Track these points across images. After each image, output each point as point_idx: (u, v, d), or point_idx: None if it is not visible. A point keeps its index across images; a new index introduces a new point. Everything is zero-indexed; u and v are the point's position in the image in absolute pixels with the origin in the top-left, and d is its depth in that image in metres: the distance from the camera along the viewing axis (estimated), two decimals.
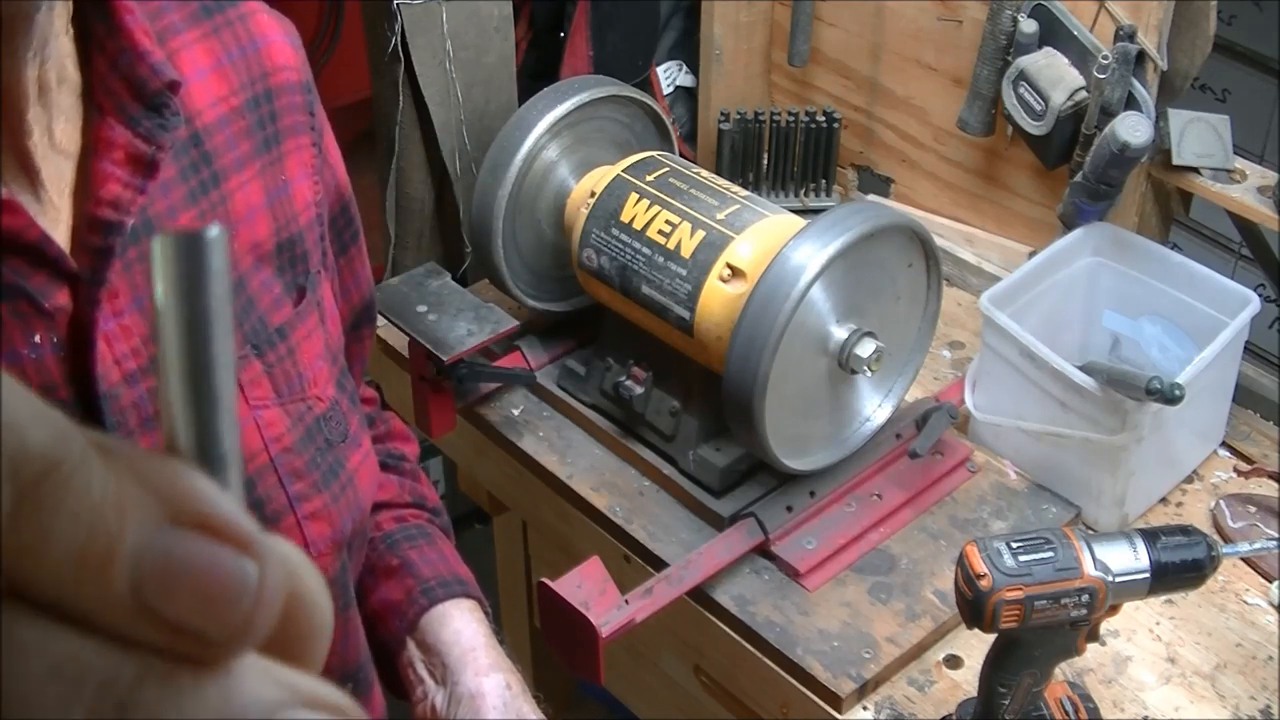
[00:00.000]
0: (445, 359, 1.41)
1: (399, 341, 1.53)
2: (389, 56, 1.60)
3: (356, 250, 0.98)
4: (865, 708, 1.22)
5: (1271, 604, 1.31)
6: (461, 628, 1.01)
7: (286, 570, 0.25)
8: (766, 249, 1.27)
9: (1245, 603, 1.31)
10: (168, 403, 0.26)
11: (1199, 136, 1.47)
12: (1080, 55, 1.48)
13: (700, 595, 1.29)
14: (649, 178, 1.39)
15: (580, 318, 1.55)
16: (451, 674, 0.99)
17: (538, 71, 1.86)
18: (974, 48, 1.58)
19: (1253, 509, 1.39)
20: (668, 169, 1.40)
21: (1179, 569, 1.03)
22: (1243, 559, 1.34)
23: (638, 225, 1.36)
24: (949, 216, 1.74)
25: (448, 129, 1.67)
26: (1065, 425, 1.34)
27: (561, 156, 1.47)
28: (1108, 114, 1.42)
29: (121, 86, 0.72)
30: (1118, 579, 1.03)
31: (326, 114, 0.92)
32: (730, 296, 1.28)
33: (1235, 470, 1.46)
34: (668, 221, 1.34)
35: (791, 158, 1.77)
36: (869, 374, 1.29)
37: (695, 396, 1.37)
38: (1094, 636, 1.09)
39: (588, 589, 1.20)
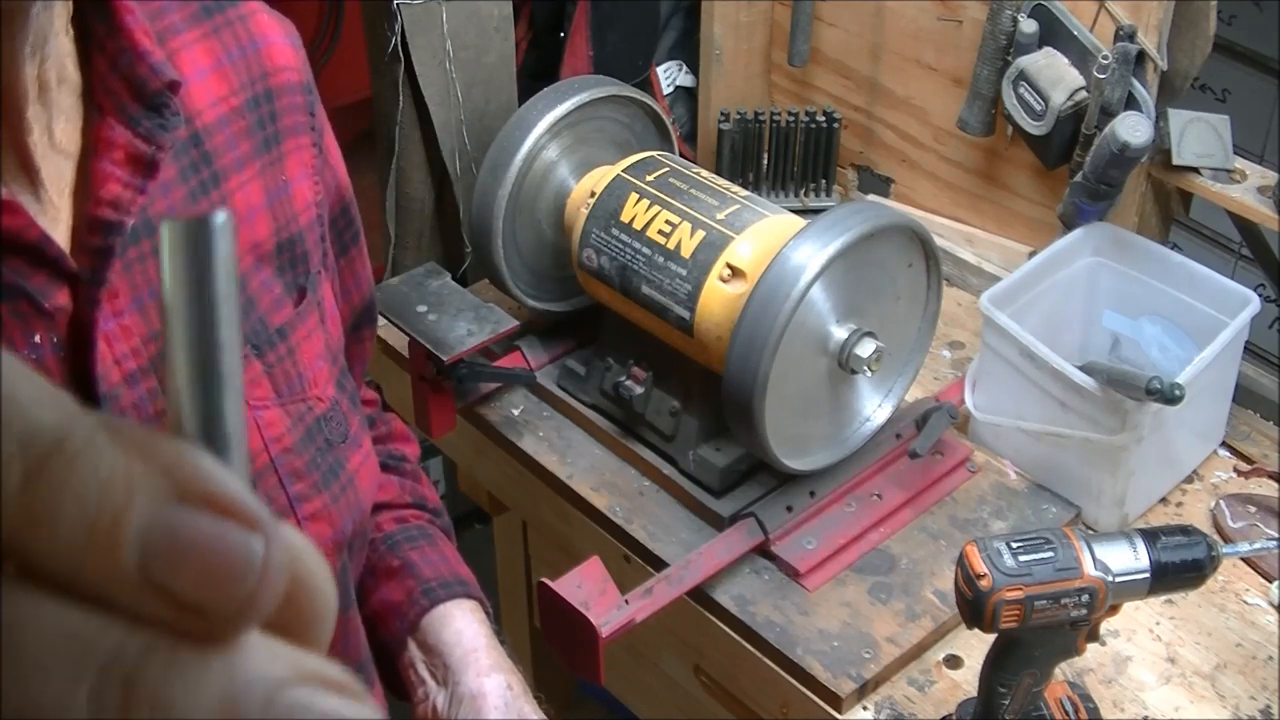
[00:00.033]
0: (445, 359, 1.41)
1: (399, 341, 1.53)
2: (389, 56, 1.60)
3: (357, 251, 0.98)
4: (865, 708, 1.22)
5: (1271, 604, 1.31)
6: (463, 628, 1.01)
7: (291, 552, 0.25)
8: (766, 249, 1.27)
9: (1245, 603, 1.31)
10: (174, 385, 0.26)
11: (1199, 136, 1.47)
12: (1080, 55, 1.48)
13: (700, 595, 1.29)
14: (649, 178, 1.39)
15: (580, 318, 1.55)
16: (453, 675, 0.99)
17: (538, 71, 1.86)
18: (974, 48, 1.58)
19: (1253, 509, 1.39)
20: (668, 169, 1.40)
21: (1179, 569, 1.03)
22: (1243, 559, 1.34)
23: (638, 225, 1.36)
24: (949, 216, 1.74)
25: (448, 129, 1.67)
26: (1065, 425, 1.34)
27: (561, 156, 1.47)
28: (1108, 114, 1.42)
29: (121, 86, 0.72)
30: (1118, 579, 1.03)
31: (326, 114, 0.92)
32: (730, 296, 1.28)
33: (1235, 470, 1.46)
34: (668, 221, 1.34)
35: (791, 158, 1.77)
36: (869, 374, 1.29)
37: (695, 396, 1.37)
38: (1094, 636, 1.09)
39: (588, 589, 1.20)
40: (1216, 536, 1.30)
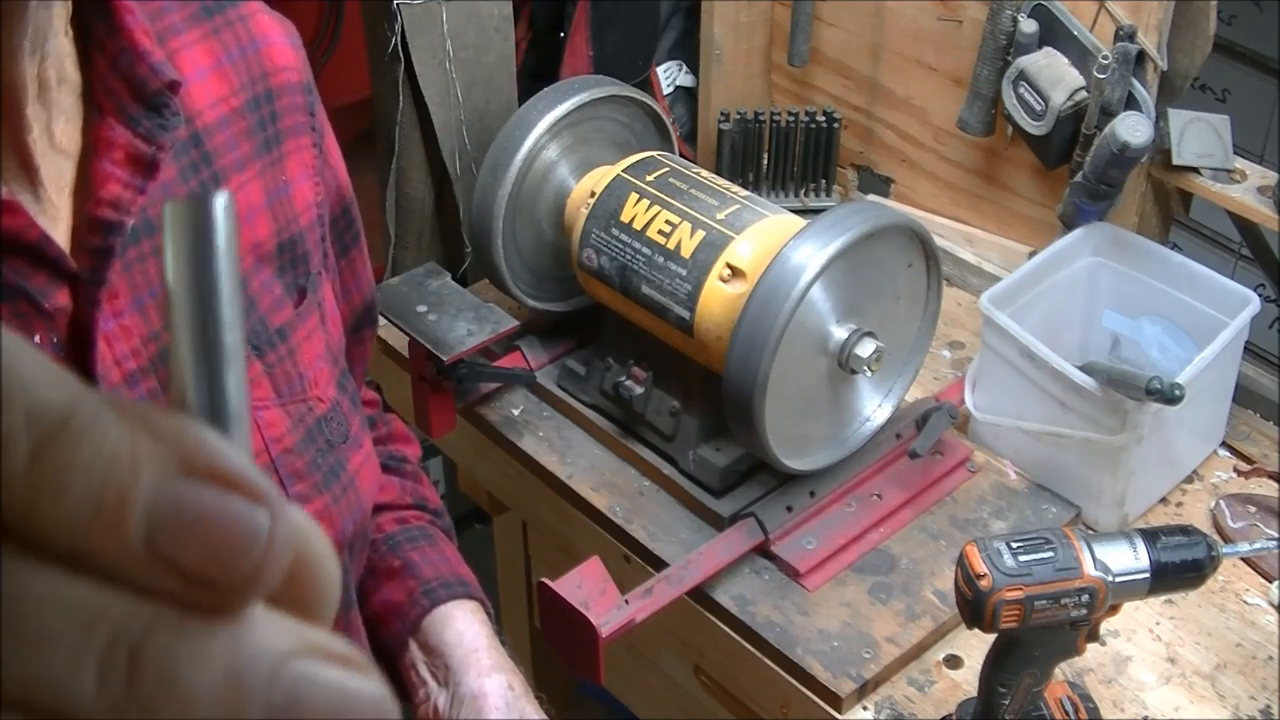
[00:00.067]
0: (445, 359, 1.41)
1: (399, 341, 1.53)
2: (389, 56, 1.60)
3: (358, 251, 0.98)
4: (865, 708, 1.22)
5: (1271, 604, 1.31)
6: (464, 629, 1.01)
7: (296, 530, 0.26)
8: (766, 249, 1.27)
9: (1245, 603, 1.31)
10: (178, 364, 0.27)
11: (1199, 136, 1.47)
12: (1080, 55, 1.48)
13: (700, 595, 1.29)
14: (649, 178, 1.39)
15: (580, 318, 1.55)
16: (454, 675, 0.99)
17: (538, 71, 1.86)
18: (974, 48, 1.58)
19: (1253, 509, 1.39)
20: (668, 169, 1.40)
21: (1179, 569, 1.03)
22: (1243, 559, 1.34)
23: (638, 225, 1.36)
24: (949, 216, 1.74)
25: (448, 129, 1.67)
26: (1065, 425, 1.34)
27: (561, 156, 1.47)
28: (1108, 114, 1.42)
29: (121, 86, 0.72)
30: (1118, 579, 1.03)
31: (326, 114, 0.92)
32: (730, 296, 1.28)
33: (1235, 470, 1.46)
34: (668, 221, 1.34)
35: (791, 158, 1.77)
36: (869, 374, 1.29)
37: (695, 396, 1.37)
38: (1094, 636, 1.09)
39: (588, 589, 1.20)
40: (1216, 536, 1.30)
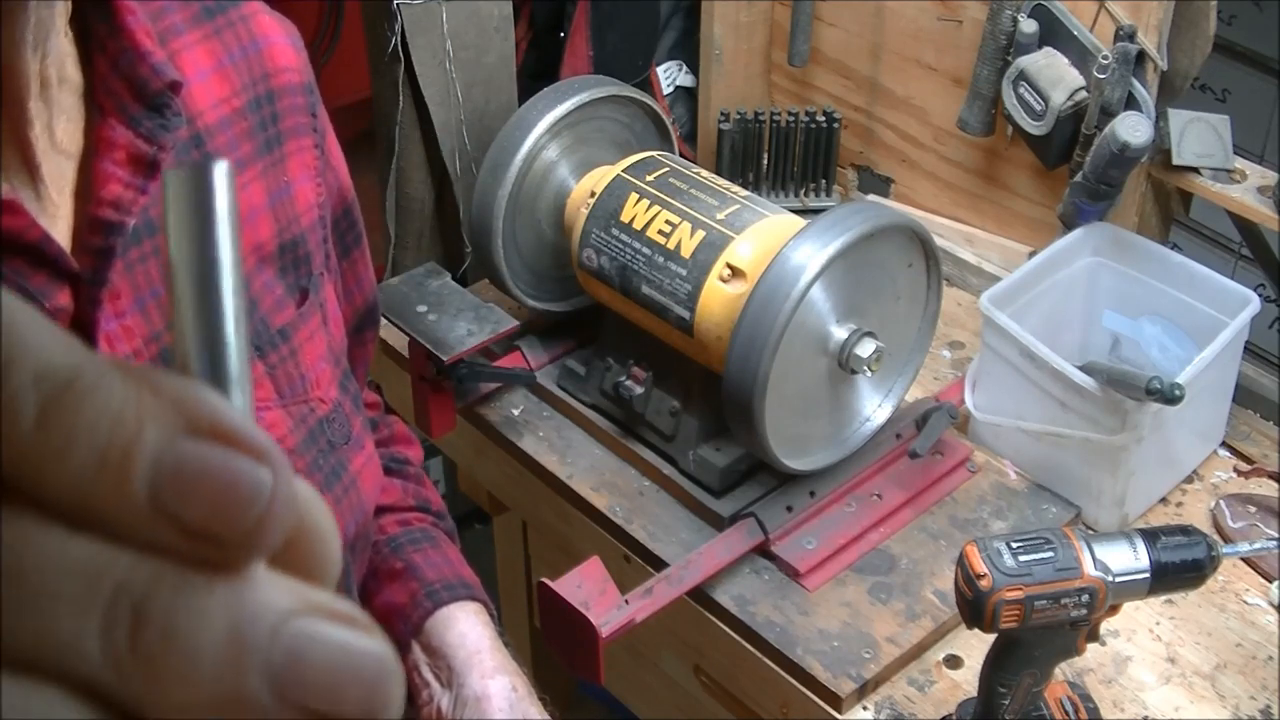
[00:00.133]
0: (445, 359, 1.41)
1: (399, 341, 1.53)
2: (389, 56, 1.60)
3: (359, 253, 0.98)
4: (865, 708, 1.22)
5: (1271, 604, 1.31)
6: (467, 630, 1.01)
7: (298, 492, 0.26)
8: (766, 249, 1.27)
9: (1245, 603, 1.31)
10: (180, 330, 0.27)
11: (1199, 136, 1.47)
12: (1080, 55, 1.48)
13: (700, 595, 1.29)
14: (649, 178, 1.39)
15: (580, 318, 1.55)
16: (457, 677, 0.99)
17: (538, 71, 1.86)
18: (974, 48, 1.58)
19: (1253, 509, 1.39)
20: (668, 169, 1.40)
21: (1179, 569, 1.03)
22: (1243, 559, 1.34)
23: (638, 225, 1.36)
24: (949, 216, 1.74)
25: (448, 129, 1.67)
26: (1065, 425, 1.34)
27: (561, 156, 1.47)
28: (1108, 114, 1.42)
29: (123, 87, 0.72)
30: (1118, 579, 1.03)
31: (327, 114, 0.92)
32: (730, 296, 1.28)
33: (1235, 470, 1.46)
34: (668, 221, 1.34)
35: (791, 158, 1.77)
36: (869, 374, 1.29)
37: (695, 396, 1.38)
38: (1094, 636, 1.09)
39: (588, 589, 1.20)
40: (1216, 536, 1.30)
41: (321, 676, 0.24)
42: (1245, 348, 1.43)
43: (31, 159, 0.70)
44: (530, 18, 1.87)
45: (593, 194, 1.41)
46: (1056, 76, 1.49)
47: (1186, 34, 1.44)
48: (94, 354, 0.24)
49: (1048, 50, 1.51)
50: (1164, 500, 1.43)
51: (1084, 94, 1.47)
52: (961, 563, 1.05)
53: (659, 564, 1.32)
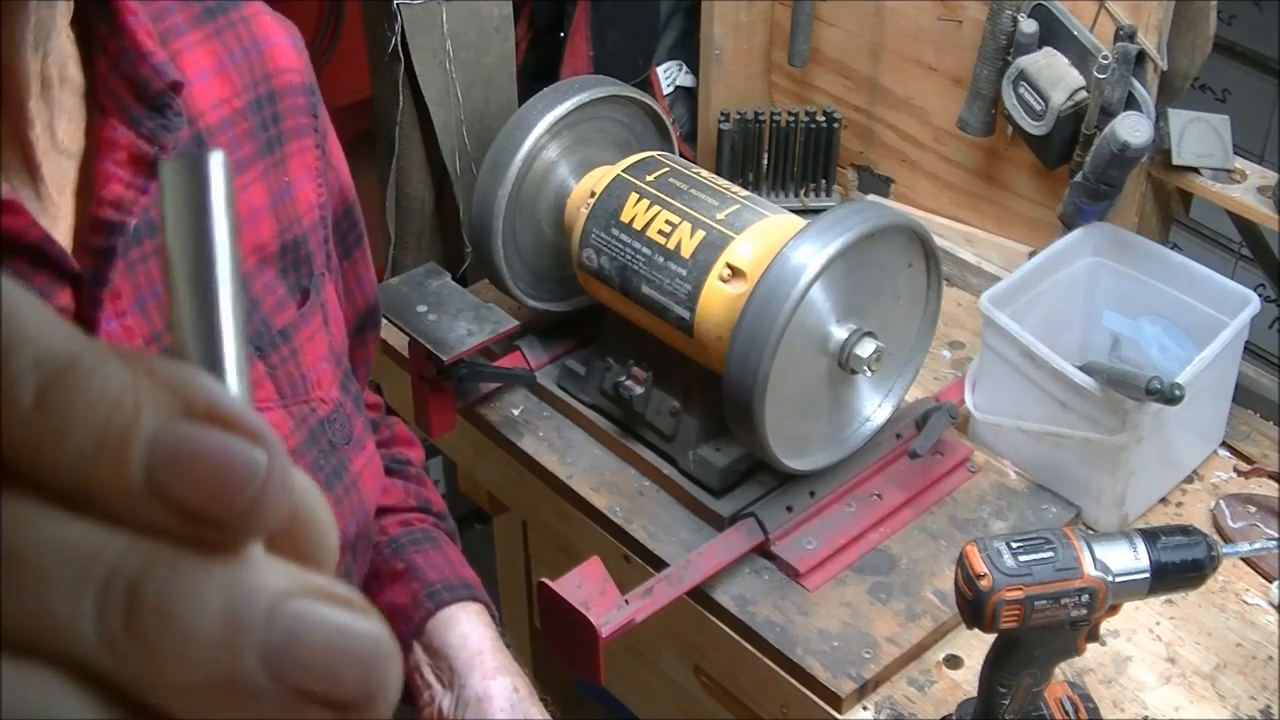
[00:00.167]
0: (445, 359, 1.41)
1: (399, 341, 1.53)
2: (389, 56, 1.60)
3: (360, 253, 0.98)
4: (865, 708, 1.22)
5: (1271, 604, 1.31)
6: (468, 631, 1.01)
7: (294, 478, 0.26)
8: (766, 249, 1.27)
9: (1245, 603, 1.31)
10: (177, 317, 0.27)
11: (1199, 136, 1.47)
12: (1080, 55, 1.48)
13: (700, 595, 1.29)
14: (649, 178, 1.39)
15: (580, 318, 1.55)
16: (458, 678, 0.99)
17: (538, 71, 1.86)
18: (974, 48, 1.58)
19: (1253, 509, 1.39)
20: (668, 169, 1.40)
21: (1179, 569, 1.03)
22: (1243, 559, 1.34)
23: (638, 225, 1.36)
24: (949, 216, 1.74)
25: (448, 129, 1.67)
26: (1065, 425, 1.34)
27: (561, 156, 1.47)
28: (1108, 114, 1.42)
29: (124, 87, 0.72)
30: (1118, 579, 1.03)
31: (328, 114, 0.92)
32: (730, 296, 1.28)
33: (1235, 470, 1.46)
34: (668, 221, 1.34)
35: (791, 158, 1.77)
36: (869, 374, 1.29)
37: (695, 396, 1.38)
38: (1094, 636, 1.09)
39: (588, 589, 1.21)
40: (1216, 536, 1.30)
41: (318, 657, 0.24)
42: (1245, 348, 1.43)
43: (32, 159, 0.70)
44: (530, 18, 1.87)
45: (593, 194, 1.41)
46: (1056, 76, 1.49)
47: (1186, 34, 1.44)
48: (92, 340, 0.25)
49: (1048, 50, 1.51)
50: (1164, 500, 1.43)
51: (1084, 94, 1.47)
52: (961, 563, 1.05)
53: (659, 564, 1.32)
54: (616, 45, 1.82)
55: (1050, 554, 1.03)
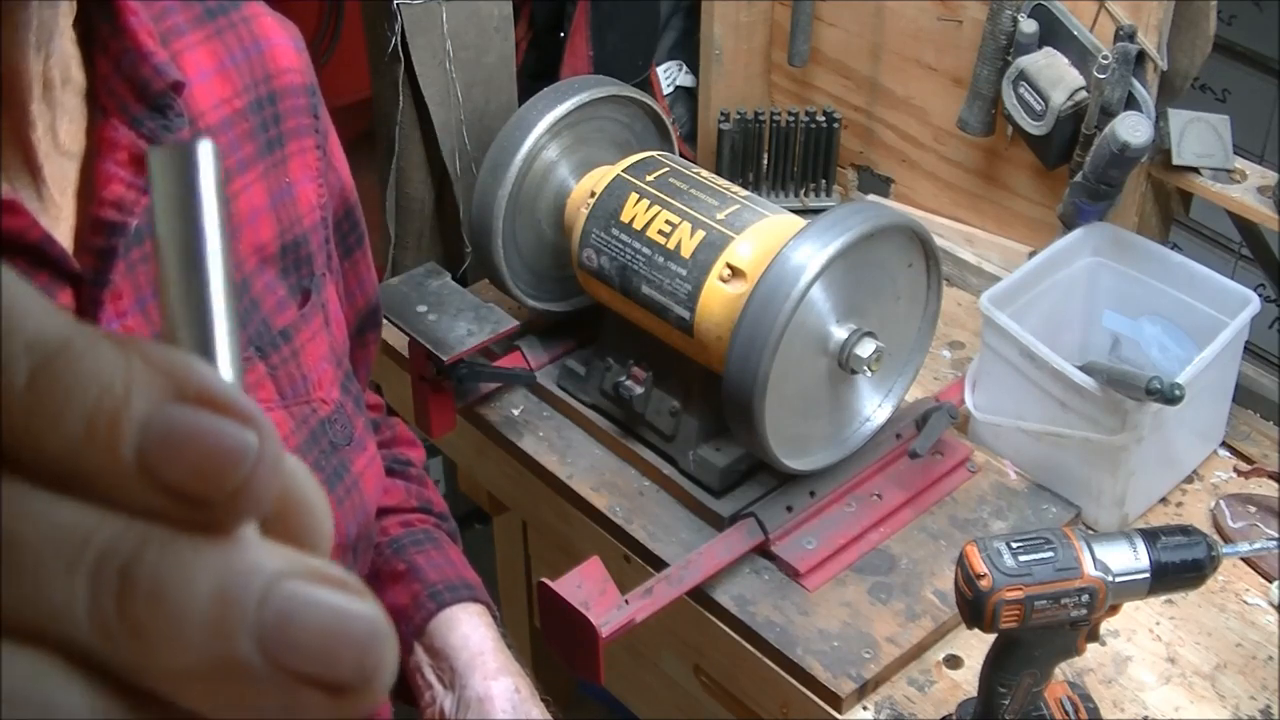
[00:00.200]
0: (445, 359, 1.41)
1: (399, 341, 1.53)
2: (389, 56, 1.60)
3: (361, 254, 0.97)
4: (865, 708, 1.22)
5: (1271, 604, 1.31)
6: (469, 632, 1.01)
7: (286, 466, 0.26)
8: (766, 249, 1.27)
9: (1245, 603, 1.31)
10: (168, 303, 0.27)
11: (1199, 136, 1.47)
12: (1080, 55, 1.48)
13: (700, 595, 1.29)
14: (649, 178, 1.39)
15: (580, 318, 1.55)
16: (460, 678, 0.99)
17: (538, 71, 1.86)
18: (974, 48, 1.58)
19: (1253, 509, 1.39)
20: (668, 169, 1.40)
21: (1179, 569, 1.03)
22: (1243, 559, 1.34)
23: (638, 225, 1.36)
24: (949, 216, 1.74)
25: (448, 129, 1.67)
26: (1065, 425, 1.34)
27: (561, 156, 1.47)
28: (1108, 114, 1.43)
29: (125, 87, 0.72)
30: (1118, 579, 1.03)
31: (329, 115, 0.92)
32: (730, 296, 1.28)
33: (1235, 470, 1.46)
34: (668, 221, 1.34)
35: (791, 158, 1.77)
36: (869, 374, 1.29)
37: (695, 396, 1.38)
38: (1094, 636, 1.09)
39: (588, 589, 1.21)
40: (1216, 536, 1.31)
41: (313, 639, 0.24)
42: (1245, 348, 1.43)
43: (34, 160, 0.70)
44: (530, 18, 1.87)
45: (593, 194, 1.41)
46: (1056, 76, 1.49)
47: (1186, 34, 1.44)
48: (84, 325, 0.25)
49: (1048, 50, 1.51)
50: (1164, 500, 1.43)
51: (1084, 94, 1.47)
52: (961, 563, 1.05)
53: (659, 564, 1.32)
54: (616, 45, 1.82)
55: (1050, 554, 1.03)
